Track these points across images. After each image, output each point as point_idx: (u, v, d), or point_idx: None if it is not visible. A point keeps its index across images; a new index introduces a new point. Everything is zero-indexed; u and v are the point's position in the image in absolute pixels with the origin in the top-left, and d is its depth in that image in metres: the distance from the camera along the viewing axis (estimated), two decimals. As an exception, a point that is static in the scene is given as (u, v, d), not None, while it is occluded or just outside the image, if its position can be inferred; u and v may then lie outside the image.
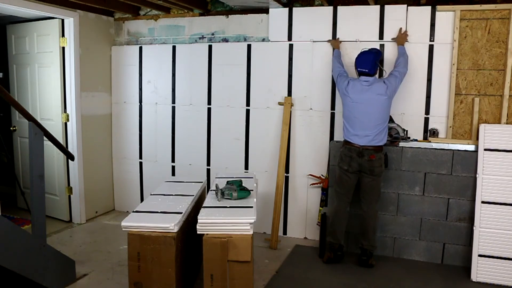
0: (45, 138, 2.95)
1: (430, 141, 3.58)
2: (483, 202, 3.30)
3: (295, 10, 3.93)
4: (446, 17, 3.50)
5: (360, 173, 3.44)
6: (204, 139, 4.41)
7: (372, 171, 3.38)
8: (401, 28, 3.61)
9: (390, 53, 3.67)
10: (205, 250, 2.55)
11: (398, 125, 3.62)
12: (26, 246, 2.67)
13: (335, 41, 3.79)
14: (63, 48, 4.22)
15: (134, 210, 2.88)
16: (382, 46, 3.69)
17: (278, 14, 3.99)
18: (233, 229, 2.56)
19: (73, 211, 4.44)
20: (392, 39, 3.64)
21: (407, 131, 3.65)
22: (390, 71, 3.52)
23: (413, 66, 3.61)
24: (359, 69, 3.41)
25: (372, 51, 3.45)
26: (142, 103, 4.64)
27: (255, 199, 2.95)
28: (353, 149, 3.40)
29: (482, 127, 3.36)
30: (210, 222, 2.59)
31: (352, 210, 3.64)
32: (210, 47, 4.28)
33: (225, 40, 4.28)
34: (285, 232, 4.19)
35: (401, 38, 3.58)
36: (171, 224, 2.59)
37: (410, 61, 3.57)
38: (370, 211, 3.48)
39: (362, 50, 3.47)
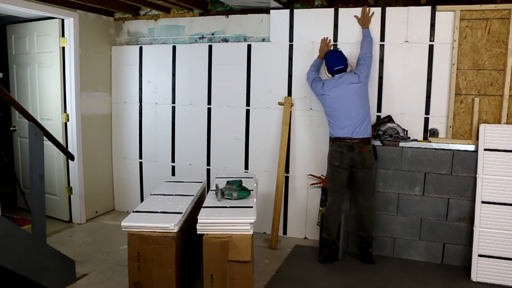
0: (45, 138, 2.95)
1: (430, 141, 3.57)
2: (483, 202, 3.30)
3: (296, 11, 3.93)
4: (446, 17, 3.49)
5: (352, 168, 3.48)
6: (204, 139, 4.41)
7: (364, 163, 3.43)
8: (364, 9, 3.63)
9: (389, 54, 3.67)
10: (205, 250, 2.56)
11: (398, 125, 3.62)
12: (26, 246, 2.67)
13: (326, 47, 3.78)
14: (63, 48, 4.22)
15: (134, 210, 2.89)
16: (382, 46, 3.69)
17: (280, 15, 3.98)
18: (233, 229, 2.56)
19: (73, 211, 4.44)
20: (357, 19, 3.68)
21: (407, 131, 3.64)
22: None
23: (413, 66, 3.61)
24: (335, 68, 3.52)
25: (337, 50, 3.68)
26: (142, 103, 4.64)
27: (255, 199, 2.95)
28: (343, 144, 3.45)
29: (482, 127, 3.36)
30: (210, 222, 2.59)
31: (351, 210, 3.63)
32: (210, 47, 4.28)
33: (225, 40, 4.28)
34: (285, 232, 4.19)
35: (365, 20, 3.62)
36: (171, 224, 2.60)
37: (410, 61, 3.59)
38: (367, 203, 3.53)
39: (327, 52, 3.66)
